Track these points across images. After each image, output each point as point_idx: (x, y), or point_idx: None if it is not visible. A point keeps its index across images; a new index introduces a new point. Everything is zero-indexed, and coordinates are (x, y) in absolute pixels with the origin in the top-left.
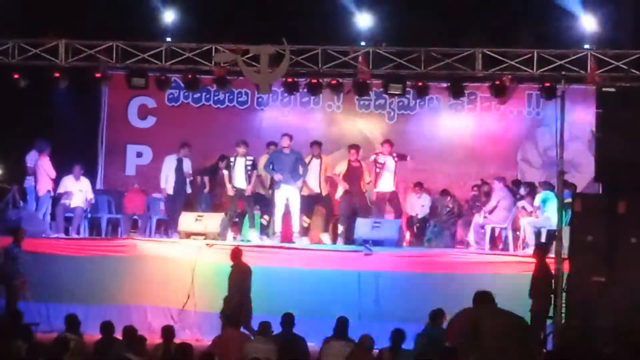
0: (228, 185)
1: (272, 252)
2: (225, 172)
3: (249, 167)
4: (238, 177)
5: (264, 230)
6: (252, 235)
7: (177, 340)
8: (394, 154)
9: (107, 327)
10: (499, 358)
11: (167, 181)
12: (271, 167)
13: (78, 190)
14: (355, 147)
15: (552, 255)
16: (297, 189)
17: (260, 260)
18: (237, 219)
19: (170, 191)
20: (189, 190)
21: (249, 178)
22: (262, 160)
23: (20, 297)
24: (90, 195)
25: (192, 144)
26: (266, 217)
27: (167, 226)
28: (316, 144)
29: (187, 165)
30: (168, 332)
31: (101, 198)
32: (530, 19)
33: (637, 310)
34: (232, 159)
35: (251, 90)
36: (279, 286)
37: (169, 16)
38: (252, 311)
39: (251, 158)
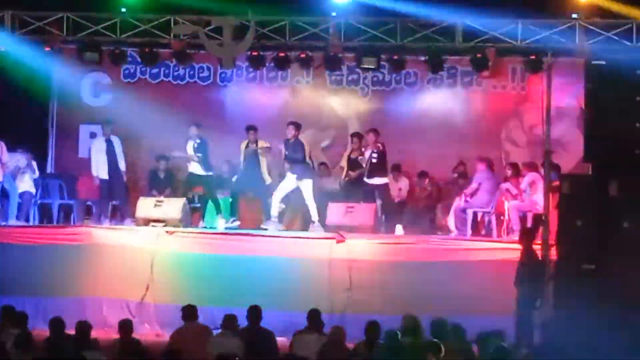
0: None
1: (238, 240)
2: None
3: (196, 149)
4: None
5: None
6: (218, 222)
7: (135, 336)
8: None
9: (56, 324)
10: None
11: (99, 166)
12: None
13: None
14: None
15: (538, 241)
16: (309, 179)
17: (225, 248)
18: (198, 204)
19: (105, 175)
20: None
21: (200, 160)
22: (243, 144)
23: None
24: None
25: (150, 123)
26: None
27: (123, 212)
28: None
29: (118, 145)
30: (126, 326)
31: (52, 182)
32: None
33: (629, 300)
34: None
35: (213, 65)
36: (244, 276)
37: None
38: None
39: (199, 140)
